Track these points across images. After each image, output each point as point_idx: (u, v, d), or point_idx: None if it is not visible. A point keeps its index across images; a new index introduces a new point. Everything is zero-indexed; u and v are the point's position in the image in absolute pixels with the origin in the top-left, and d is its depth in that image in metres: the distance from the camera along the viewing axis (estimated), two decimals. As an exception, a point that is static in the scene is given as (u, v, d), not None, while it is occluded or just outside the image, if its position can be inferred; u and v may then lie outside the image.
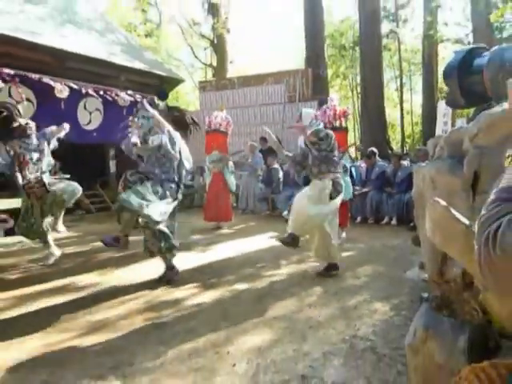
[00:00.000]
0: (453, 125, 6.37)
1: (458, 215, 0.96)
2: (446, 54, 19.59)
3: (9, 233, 7.39)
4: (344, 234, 6.44)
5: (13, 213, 6.96)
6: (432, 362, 1.53)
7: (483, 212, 0.66)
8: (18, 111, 4.87)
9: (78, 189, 5.22)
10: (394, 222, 7.67)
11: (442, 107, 7.01)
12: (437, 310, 1.59)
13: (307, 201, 4.23)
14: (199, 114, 11.45)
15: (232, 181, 7.85)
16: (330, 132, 4.49)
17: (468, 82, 1.59)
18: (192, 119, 4.54)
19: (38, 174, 4.93)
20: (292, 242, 4.27)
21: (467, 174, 1.48)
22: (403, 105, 20.34)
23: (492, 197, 0.68)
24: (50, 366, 2.59)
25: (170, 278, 4.25)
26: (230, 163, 7.84)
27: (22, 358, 2.71)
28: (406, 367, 2.00)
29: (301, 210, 4.22)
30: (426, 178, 1.67)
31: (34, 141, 4.95)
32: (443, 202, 0.99)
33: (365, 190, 8.08)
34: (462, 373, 1.01)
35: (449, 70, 1.64)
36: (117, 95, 9.01)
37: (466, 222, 0.95)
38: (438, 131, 6.74)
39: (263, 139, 10.88)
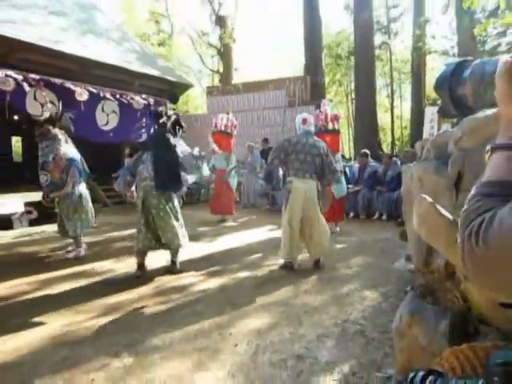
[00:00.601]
0: (439, 129, 6.34)
1: (442, 211, 0.96)
2: (433, 65, 19.53)
3: (33, 223, 7.42)
4: (338, 228, 6.45)
5: (37, 205, 7.00)
6: (416, 344, 1.53)
7: (465, 206, 0.65)
8: (42, 121, 4.82)
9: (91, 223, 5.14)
10: (384, 217, 7.65)
11: (428, 113, 6.97)
12: (421, 297, 1.59)
13: None
14: (207, 117, 11.46)
15: (233, 183, 7.85)
16: (281, 142, 4.47)
17: (458, 93, 1.56)
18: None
19: (43, 182, 4.80)
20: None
21: (451, 174, 1.47)
22: (393, 110, 20.30)
23: (473, 191, 0.67)
24: (70, 343, 2.61)
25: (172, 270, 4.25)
26: (231, 165, 7.79)
27: (46, 336, 2.73)
28: (393, 349, 2.00)
29: None
30: (413, 177, 1.67)
31: (44, 145, 4.82)
32: (429, 199, 0.99)
33: (357, 188, 8.06)
34: (443, 354, 1.01)
35: (440, 82, 1.62)
36: (132, 99, 8.96)
37: (450, 217, 0.95)
38: (425, 135, 6.69)
39: (265, 140, 10.88)
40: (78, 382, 2.16)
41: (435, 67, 19.57)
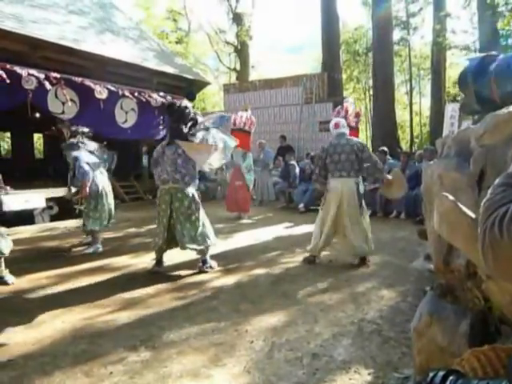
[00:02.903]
0: (459, 126, 6.21)
1: (464, 209, 0.94)
2: (453, 60, 19.12)
3: (54, 218, 7.59)
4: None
5: (58, 201, 7.17)
6: (435, 344, 1.50)
7: (489, 196, 0.63)
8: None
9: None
10: (402, 216, 7.53)
11: (449, 109, 6.84)
12: (441, 296, 1.56)
13: None
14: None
15: (249, 178, 7.81)
16: (318, 152, 4.58)
17: (482, 89, 1.50)
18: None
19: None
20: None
21: (473, 172, 1.43)
22: (412, 107, 19.97)
23: (497, 181, 0.64)
24: (89, 336, 2.66)
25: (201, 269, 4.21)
26: (247, 162, 7.74)
27: (66, 328, 2.79)
28: (411, 349, 1.97)
29: None
30: (434, 174, 1.63)
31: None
32: (451, 197, 0.97)
33: (375, 185, 7.95)
34: (463, 355, 0.99)
35: (464, 77, 1.56)
36: (150, 96, 9.05)
37: (472, 215, 0.93)
38: (446, 131, 6.57)
39: (282, 137, 10.85)
40: (97, 375, 2.20)
41: (455, 63, 19.19)
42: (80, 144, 5.16)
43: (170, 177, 4.02)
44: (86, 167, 4.99)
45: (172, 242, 4.14)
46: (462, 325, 1.42)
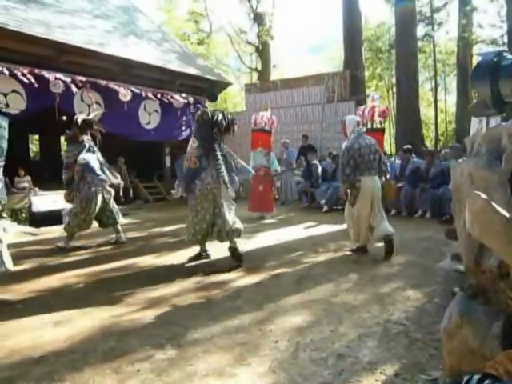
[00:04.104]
0: (487, 123, 6.03)
1: (497, 208, 0.92)
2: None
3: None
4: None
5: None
6: (466, 346, 1.47)
7: None
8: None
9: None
10: (428, 215, 7.38)
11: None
12: (472, 297, 1.52)
13: None
14: (245, 114, 11.53)
15: (276, 165, 8.07)
16: (346, 151, 4.55)
17: (500, 86, 1.39)
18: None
19: (64, 179, 5.41)
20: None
21: (505, 169, 1.39)
22: (437, 104, 19.51)
23: None
24: (116, 334, 2.72)
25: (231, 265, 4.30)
26: (272, 162, 7.83)
27: (94, 327, 2.85)
28: (439, 351, 1.93)
29: None
30: (463, 173, 1.59)
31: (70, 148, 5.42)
32: (483, 195, 0.95)
33: (399, 184, 7.83)
34: (497, 358, 0.97)
35: (478, 73, 1.43)
36: (172, 98, 9.23)
37: (506, 214, 0.90)
38: (473, 129, 6.39)
39: (305, 136, 10.80)
40: (125, 372, 2.24)
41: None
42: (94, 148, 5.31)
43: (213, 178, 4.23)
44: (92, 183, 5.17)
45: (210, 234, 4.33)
46: (493, 327, 1.38)
